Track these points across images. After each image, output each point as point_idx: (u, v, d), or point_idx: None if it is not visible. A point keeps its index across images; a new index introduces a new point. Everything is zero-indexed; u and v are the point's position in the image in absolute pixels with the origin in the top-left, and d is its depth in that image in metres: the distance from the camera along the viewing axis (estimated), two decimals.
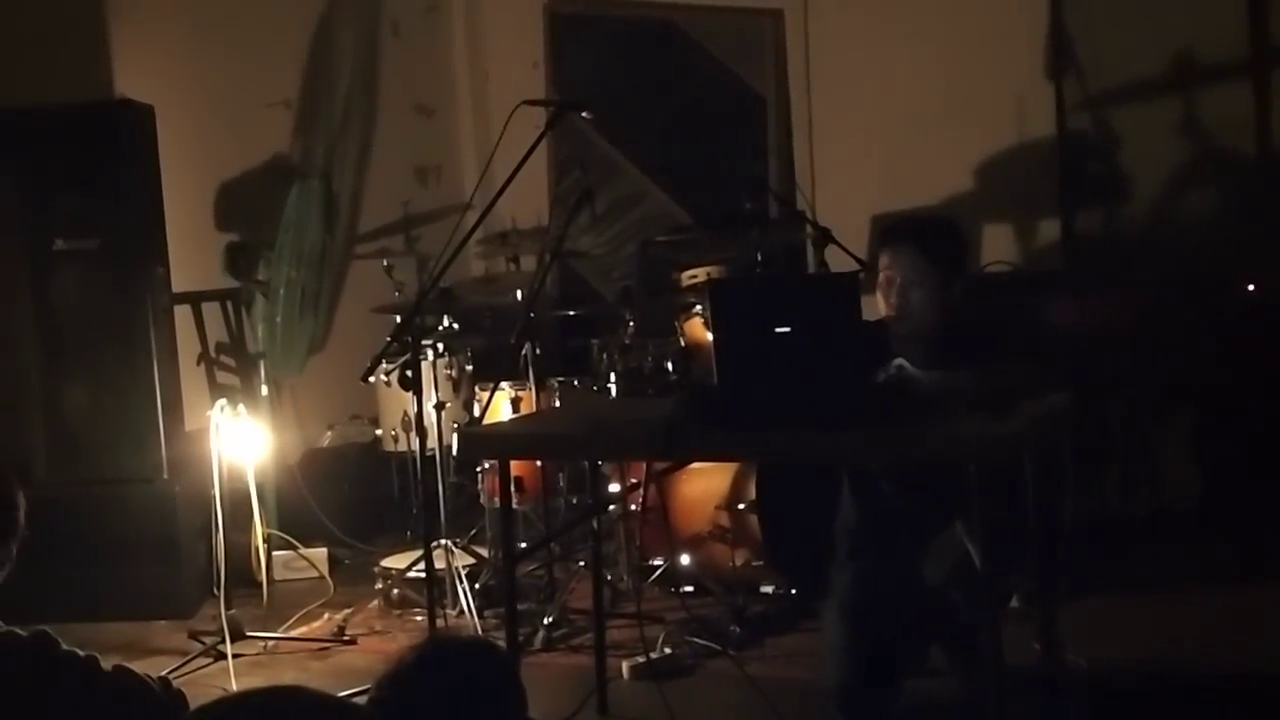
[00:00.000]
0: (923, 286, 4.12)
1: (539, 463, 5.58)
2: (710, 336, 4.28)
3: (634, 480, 5.30)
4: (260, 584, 5.82)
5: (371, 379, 5.34)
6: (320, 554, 6.21)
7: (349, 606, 5.65)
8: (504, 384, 5.65)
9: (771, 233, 6.46)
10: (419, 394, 5.16)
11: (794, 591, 5.36)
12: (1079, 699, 4.12)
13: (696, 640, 4.97)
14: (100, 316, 5.82)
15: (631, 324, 5.82)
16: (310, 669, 5.09)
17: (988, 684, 3.57)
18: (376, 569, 5.88)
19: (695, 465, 5.17)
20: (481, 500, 5.84)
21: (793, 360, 3.64)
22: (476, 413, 5.61)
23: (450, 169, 8.14)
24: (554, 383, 5.79)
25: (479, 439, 4.66)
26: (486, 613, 5.38)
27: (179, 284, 6.15)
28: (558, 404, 5.71)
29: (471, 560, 5.66)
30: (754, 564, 5.39)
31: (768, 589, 5.44)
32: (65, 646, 2.65)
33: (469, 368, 5.92)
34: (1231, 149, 6.54)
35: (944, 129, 6.94)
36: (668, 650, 4.86)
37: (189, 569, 5.77)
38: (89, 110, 5.85)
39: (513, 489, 5.24)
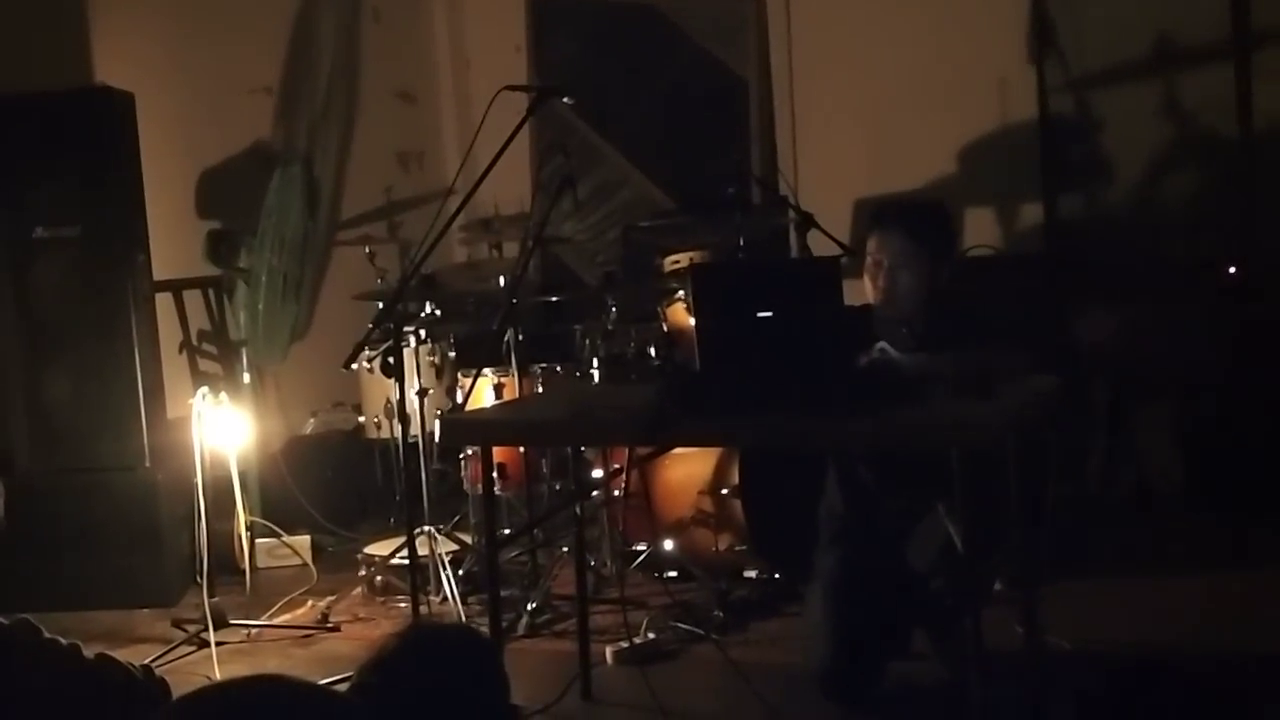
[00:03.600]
0: (910, 270, 4.13)
1: (522, 449, 5.57)
2: (692, 321, 4.28)
3: (617, 466, 5.30)
4: (243, 572, 5.81)
5: (354, 366, 5.33)
6: (303, 541, 6.21)
7: (332, 594, 5.64)
8: (487, 370, 5.64)
9: (754, 217, 6.45)
10: (401, 381, 5.15)
11: (777, 576, 5.37)
12: (1061, 682, 4.14)
13: (680, 625, 4.97)
14: (81, 304, 5.80)
15: (614, 309, 5.81)
16: (294, 656, 5.09)
17: (970, 667, 3.58)
18: (360, 556, 5.88)
19: (678, 450, 5.17)
20: (464, 487, 5.84)
21: (775, 345, 3.64)
22: (459, 399, 5.60)
23: (432, 155, 8.14)
24: (537, 369, 5.78)
25: (462, 425, 4.66)
26: (470, 599, 5.38)
27: (160, 272, 6.14)
28: (540, 390, 5.70)
29: (455, 547, 5.66)
30: (737, 549, 5.39)
31: (751, 574, 5.44)
32: (47, 634, 2.64)
33: (451, 354, 5.91)
34: (1213, 131, 6.55)
35: (926, 112, 6.95)
36: (651, 635, 4.86)
37: (171, 557, 5.76)
38: (69, 97, 5.83)
39: (495, 475, 5.25)
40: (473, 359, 5.73)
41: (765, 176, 7.36)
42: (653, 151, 7.80)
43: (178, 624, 5.31)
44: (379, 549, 5.81)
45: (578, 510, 4.67)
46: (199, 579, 5.24)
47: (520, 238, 6.36)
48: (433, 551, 5.46)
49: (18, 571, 5.49)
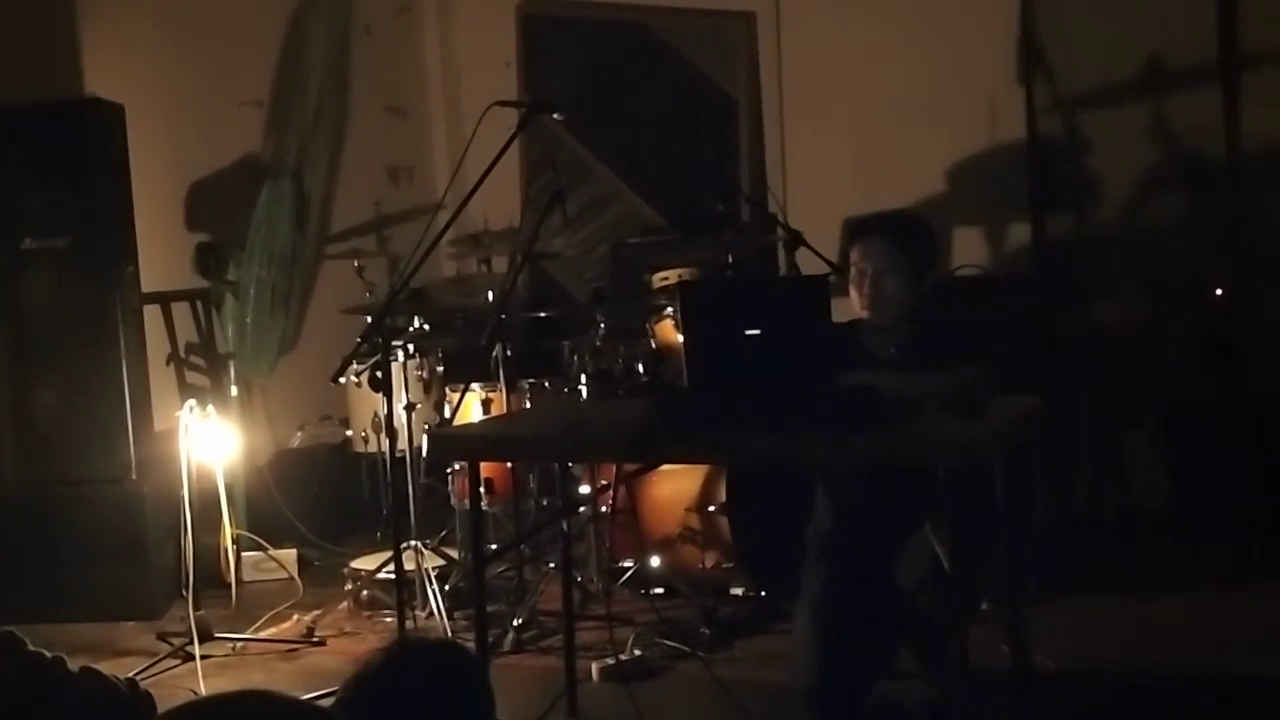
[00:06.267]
0: (894, 275, 4.15)
1: (509, 464, 5.58)
2: (680, 338, 4.28)
3: (604, 482, 5.30)
4: (229, 585, 5.80)
5: (342, 380, 5.33)
6: (289, 555, 6.19)
7: (318, 608, 5.63)
8: (475, 385, 5.64)
9: (743, 235, 6.47)
10: (389, 395, 5.15)
11: (764, 594, 5.37)
12: (1047, 702, 4.14)
13: (666, 642, 4.97)
14: (69, 316, 5.79)
15: (602, 326, 5.82)
16: (279, 670, 5.08)
17: (956, 686, 3.58)
18: (346, 570, 5.87)
19: (665, 467, 5.17)
20: (451, 501, 5.84)
21: (762, 362, 3.64)
22: (447, 414, 5.60)
23: (422, 169, 8.14)
24: (525, 384, 5.79)
25: (449, 440, 4.66)
26: (456, 614, 5.37)
27: (149, 284, 6.13)
28: (528, 405, 5.71)
29: (441, 562, 5.65)
30: (724, 566, 5.40)
31: (737, 591, 5.44)
32: (31, 647, 2.63)
33: (440, 369, 5.91)
34: (1201, 153, 6.56)
35: (915, 132, 6.96)
36: (637, 652, 4.86)
37: (157, 570, 5.75)
38: (59, 108, 5.83)
39: (483, 490, 5.23)
40: (461, 374, 5.72)
41: (754, 194, 7.37)
42: (642, 168, 7.80)
43: (163, 637, 5.29)
44: (365, 563, 5.80)
45: (565, 526, 4.67)
46: (184, 592, 5.23)
47: (509, 253, 6.37)
48: (419, 566, 5.46)
49: (2, 583, 5.49)
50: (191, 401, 5.33)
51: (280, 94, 7.32)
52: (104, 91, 6.00)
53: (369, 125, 7.81)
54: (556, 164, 6.23)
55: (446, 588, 5.45)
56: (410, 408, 5.66)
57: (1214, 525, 5.84)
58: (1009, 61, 6.86)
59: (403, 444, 5.56)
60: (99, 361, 5.78)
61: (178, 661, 5.09)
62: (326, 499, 6.76)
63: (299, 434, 7.05)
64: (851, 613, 4.08)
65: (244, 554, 6.07)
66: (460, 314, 6.30)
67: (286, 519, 6.40)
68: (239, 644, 5.30)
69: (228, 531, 5.71)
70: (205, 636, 5.15)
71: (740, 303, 3.87)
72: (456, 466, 5.65)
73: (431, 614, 5.35)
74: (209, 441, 5.40)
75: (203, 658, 5.00)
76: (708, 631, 5.08)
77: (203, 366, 6.73)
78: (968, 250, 6.85)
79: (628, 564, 5.58)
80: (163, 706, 2.59)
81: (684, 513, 5.43)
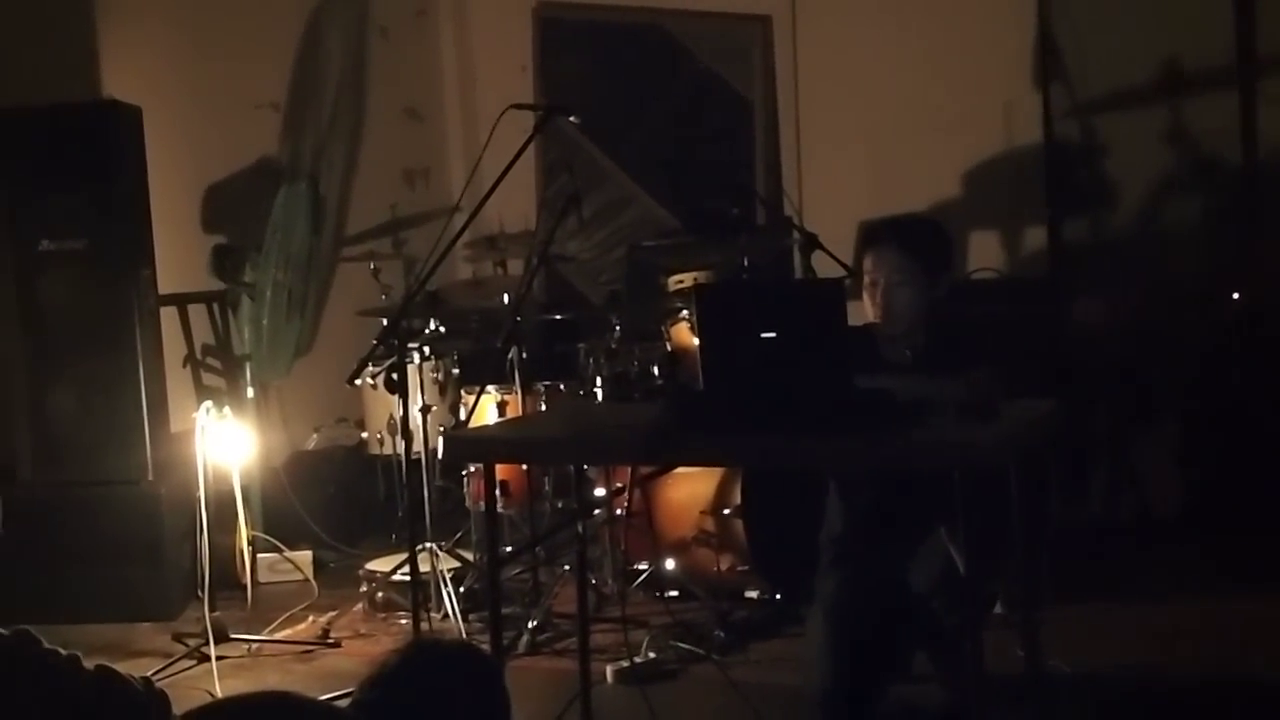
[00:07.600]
0: (908, 285, 4.14)
1: (524, 467, 5.58)
2: (696, 341, 4.28)
3: (619, 484, 5.30)
4: (245, 586, 5.81)
5: (357, 382, 5.34)
6: (305, 557, 6.20)
7: (333, 609, 5.63)
8: (490, 387, 5.64)
9: (758, 238, 6.46)
10: (405, 397, 5.15)
11: (778, 597, 5.37)
12: (1062, 705, 4.14)
13: (680, 645, 4.97)
14: (86, 318, 5.81)
15: (618, 328, 5.82)
16: (294, 672, 5.09)
17: (970, 690, 3.57)
18: (361, 572, 5.88)
19: (680, 470, 5.17)
20: (467, 504, 5.85)
21: (778, 365, 3.64)
22: (462, 416, 5.61)
23: (438, 172, 8.15)
24: (540, 386, 5.79)
25: (464, 442, 4.65)
26: (471, 616, 5.38)
27: (165, 286, 6.15)
28: (543, 408, 5.71)
29: (456, 564, 5.66)
30: (738, 569, 5.40)
31: (752, 594, 5.44)
32: (47, 645, 2.63)
33: (455, 371, 5.92)
34: (1218, 158, 6.55)
35: (931, 136, 6.96)
36: (652, 655, 4.86)
37: (173, 571, 5.76)
38: (76, 111, 5.85)
39: (498, 493, 5.24)
40: (476, 376, 5.73)
41: (770, 197, 7.37)
42: (658, 171, 7.81)
43: (178, 638, 5.31)
44: (380, 565, 5.81)
45: (580, 528, 4.67)
46: (200, 593, 5.24)
47: (525, 256, 6.37)
48: (434, 568, 5.46)
49: (19, 583, 5.50)
50: (208, 403, 5.34)
51: (297, 97, 7.33)
52: (121, 94, 6.02)
53: (385, 128, 7.83)
54: (572, 167, 6.22)
55: (461, 590, 5.46)
56: (426, 410, 5.66)
57: (1230, 529, 5.83)
58: (1026, 65, 6.85)
59: (418, 446, 5.56)
60: (116, 363, 5.79)
61: (193, 662, 5.10)
62: (342, 501, 6.78)
63: (315, 436, 7.07)
64: (865, 616, 4.08)
65: (259, 555, 6.08)
66: (476, 316, 6.31)
67: (302, 521, 6.41)
68: (254, 645, 5.31)
69: (243, 533, 5.72)
70: (221, 638, 5.16)
71: (756, 305, 3.86)
72: (472, 469, 5.65)
73: (446, 616, 5.36)
74: (225, 443, 5.41)
75: (218, 659, 5.01)
76: (722, 634, 5.08)
77: (219, 368, 6.75)
78: (984, 254, 6.85)
79: (642, 567, 5.58)
80: (178, 707, 2.60)
81: (699, 515, 5.43)
